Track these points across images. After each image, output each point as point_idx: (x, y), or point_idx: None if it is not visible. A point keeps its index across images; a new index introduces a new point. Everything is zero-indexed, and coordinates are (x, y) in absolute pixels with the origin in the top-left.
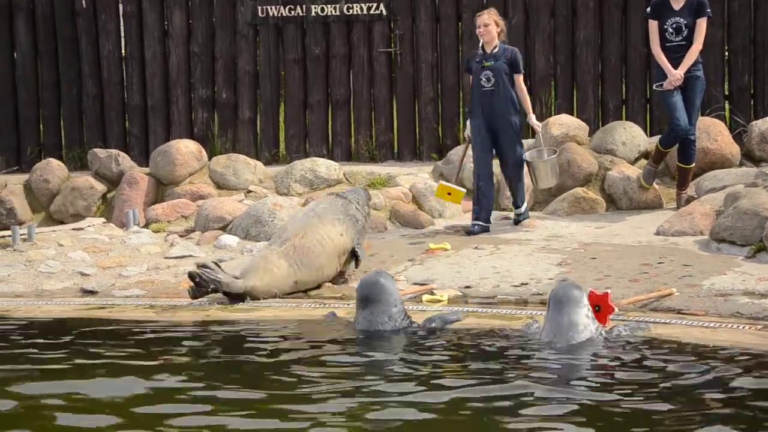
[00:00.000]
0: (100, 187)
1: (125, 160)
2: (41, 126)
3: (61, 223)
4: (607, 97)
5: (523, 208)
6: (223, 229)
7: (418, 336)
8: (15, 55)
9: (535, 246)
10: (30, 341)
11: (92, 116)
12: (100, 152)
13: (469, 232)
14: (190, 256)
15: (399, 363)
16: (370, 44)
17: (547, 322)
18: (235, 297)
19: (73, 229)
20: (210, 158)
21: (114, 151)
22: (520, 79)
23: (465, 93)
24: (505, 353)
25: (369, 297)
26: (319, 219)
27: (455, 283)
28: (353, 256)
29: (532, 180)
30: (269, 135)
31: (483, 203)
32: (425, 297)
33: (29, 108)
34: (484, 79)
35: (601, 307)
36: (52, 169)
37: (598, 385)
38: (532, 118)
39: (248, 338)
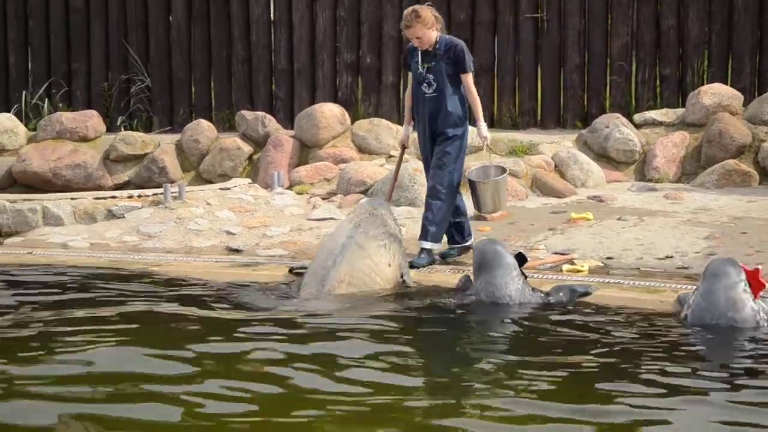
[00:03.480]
0: (247, 148)
1: (271, 123)
2: (193, 88)
3: (209, 182)
4: (765, 66)
5: (430, 245)
6: (364, 192)
7: (545, 307)
8: (170, 18)
9: (682, 218)
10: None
11: (241, 79)
12: (248, 114)
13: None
14: (332, 218)
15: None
16: (516, 10)
17: (699, 298)
18: None
19: (221, 188)
20: (353, 122)
21: (261, 114)
22: (468, 79)
23: (612, 61)
24: (644, 330)
25: (485, 264)
26: (363, 249)
27: (597, 253)
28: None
29: (474, 203)
30: None
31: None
32: (565, 267)
33: (182, 70)
34: (425, 84)
35: (751, 284)
36: (202, 129)
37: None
38: (482, 128)
39: (382, 303)
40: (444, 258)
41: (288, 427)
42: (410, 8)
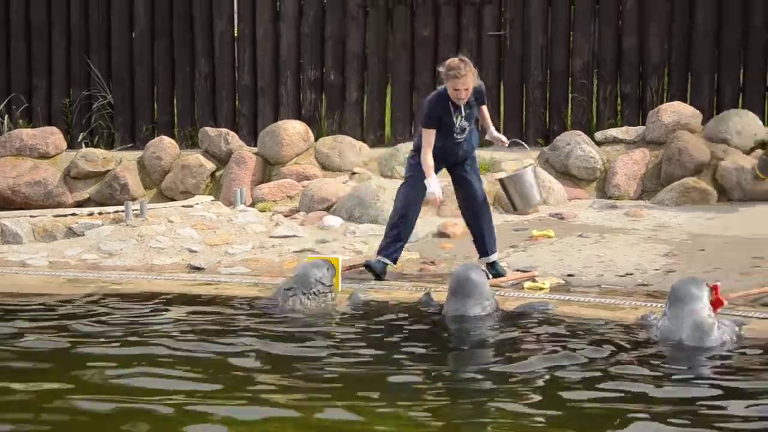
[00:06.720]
0: (210, 165)
1: (234, 140)
2: (155, 104)
3: (172, 199)
4: (724, 84)
5: (494, 256)
6: (328, 210)
7: (507, 323)
8: (133, 34)
9: (641, 236)
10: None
11: (204, 95)
12: (211, 131)
13: (367, 265)
14: (295, 236)
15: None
16: (479, 27)
17: (666, 321)
18: None
19: (183, 206)
20: (317, 139)
21: (224, 130)
22: (484, 108)
23: (574, 79)
24: (605, 344)
25: (460, 290)
26: None
27: (558, 270)
28: None
29: (511, 204)
30: (375, 117)
31: (404, 241)
32: (527, 284)
33: (145, 86)
34: (458, 130)
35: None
36: (165, 146)
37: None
38: (494, 132)
39: (333, 320)
40: (367, 266)
41: None
42: (456, 59)
